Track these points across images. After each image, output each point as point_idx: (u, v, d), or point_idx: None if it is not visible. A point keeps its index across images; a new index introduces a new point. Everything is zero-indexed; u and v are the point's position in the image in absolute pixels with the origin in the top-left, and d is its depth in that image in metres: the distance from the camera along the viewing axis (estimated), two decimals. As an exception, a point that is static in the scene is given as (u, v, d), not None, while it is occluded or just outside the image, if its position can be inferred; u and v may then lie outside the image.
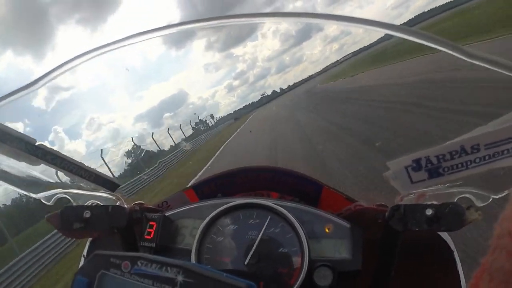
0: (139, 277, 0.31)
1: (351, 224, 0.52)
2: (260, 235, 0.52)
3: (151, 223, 0.54)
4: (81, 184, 0.54)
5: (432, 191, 0.43)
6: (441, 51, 0.31)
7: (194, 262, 0.52)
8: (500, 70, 0.29)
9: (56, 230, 0.52)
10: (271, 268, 0.50)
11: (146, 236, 0.53)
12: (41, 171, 0.51)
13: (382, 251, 0.49)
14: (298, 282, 0.47)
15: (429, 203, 0.43)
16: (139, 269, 0.31)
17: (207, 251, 0.53)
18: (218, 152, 14.29)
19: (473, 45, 9.35)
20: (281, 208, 0.53)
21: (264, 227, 0.53)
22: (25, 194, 0.52)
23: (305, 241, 0.50)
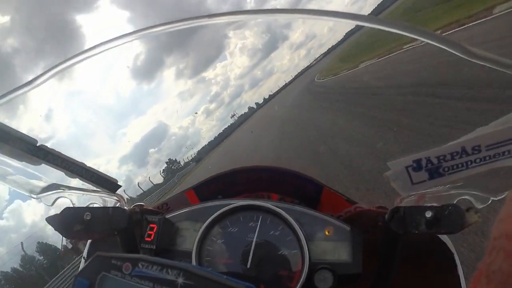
0: (140, 279, 0.31)
1: (351, 227, 0.52)
2: (255, 237, 0.52)
3: (151, 225, 0.54)
4: (82, 185, 0.54)
5: (431, 193, 0.43)
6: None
7: (194, 264, 0.51)
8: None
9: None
10: (271, 271, 0.50)
11: (147, 238, 0.53)
12: (42, 172, 0.51)
13: (382, 253, 0.49)
14: (298, 285, 0.47)
15: (429, 205, 0.43)
16: (140, 271, 0.31)
17: (207, 253, 0.53)
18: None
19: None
20: (281, 210, 0.53)
21: (257, 229, 0.53)
22: (26, 195, 0.52)
23: (305, 244, 0.50)
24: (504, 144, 0.35)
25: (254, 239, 0.52)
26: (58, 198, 0.53)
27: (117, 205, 0.55)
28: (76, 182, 0.52)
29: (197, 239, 0.53)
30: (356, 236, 0.51)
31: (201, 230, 0.54)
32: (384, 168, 0.42)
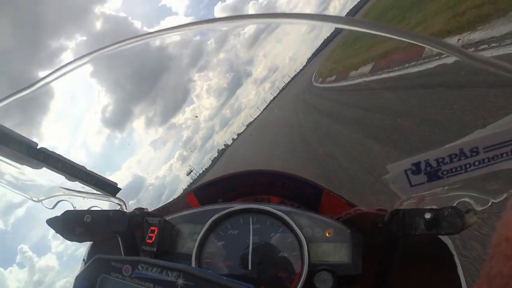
0: (140, 281, 0.31)
1: (351, 229, 0.52)
2: (250, 240, 0.52)
3: (152, 227, 0.54)
4: (82, 188, 0.54)
5: (431, 195, 0.43)
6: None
7: (194, 266, 0.52)
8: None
9: None
10: (271, 273, 0.50)
11: (147, 241, 0.53)
12: (43, 175, 0.51)
13: (382, 255, 0.49)
14: (298, 286, 0.47)
15: (428, 207, 0.43)
16: (140, 273, 0.31)
17: (207, 255, 0.53)
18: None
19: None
20: (281, 213, 0.54)
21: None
22: (27, 198, 0.53)
23: (305, 246, 0.50)
24: (502, 146, 0.35)
25: (251, 241, 0.52)
26: (59, 201, 0.54)
27: (117, 208, 0.55)
28: (76, 185, 0.53)
29: (197, 242, 0.53)
30: (356, 238, 0.51)
31: (201, 233, 0.54)
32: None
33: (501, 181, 0.39)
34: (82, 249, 0.61)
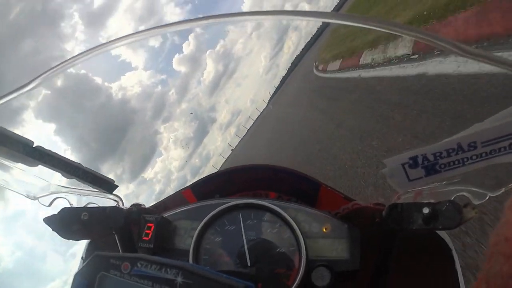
0: (139, 278, 0.31)
1: (349, 224, 0.52)
2: (244, 236, 0.52)
3: (148, 224, 0.54)
4: (79, 186, 0.54)
5: (429, 189, 0.43)
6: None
7: (191, 262, 0.52)
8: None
9: None
10: (268, 269, 0.50)
11: (144, 237, 0.53)
12: (39, 173, 0.51)
13: (380, 250, 0.49)
14: (296, 283, 0.47)
15: (426, 201, 0.43)
16: (139, 270, 0.31)
17: (205, 252, 0.53)
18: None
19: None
20: (278, 208, 0.53)
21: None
22: (23, 196, 0.53)
23: (303, 241, 0.50)
24: (500, 141, 0.34)
25: (247, 237, 0.52)
26: (56, 199, 0.53)
27: (114, 205, 0.55)
28: (73, 182, 0.53)
29: (194, 238, 0.53)
30: (354, 233, 0.51)
31: (198, 229, 0.54)
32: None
33: (499, 175, 0.39)
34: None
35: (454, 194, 0.42)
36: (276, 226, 0.53)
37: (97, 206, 0.55)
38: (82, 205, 0.54)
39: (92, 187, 0.53)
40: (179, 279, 0.29)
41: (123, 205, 0.56)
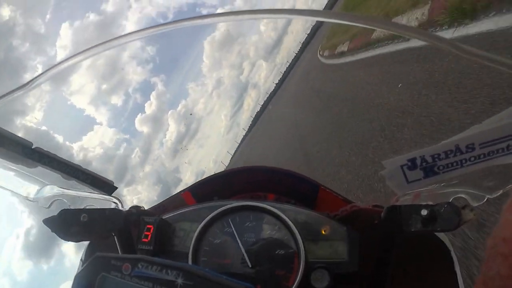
0: (140, 280, 0.31)
1: (348, 226, 0.52)
2: (237, 237, 0.53)
3: (148, 226, 0.54)
4: (78, 187, 0.54)
5: (427, 191, 0.43)
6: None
7: (190, 264, 0.52)
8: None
9: None
10: (268, 271, 0.50)
11: (143, 239, 0.53)
12: (38, 174, 0.51)
13: (379, 252, 0.49)
14: (295, 284, 0.47)
15: (425, 203, 0.43)
16: (140, 271, 0.31)
17: (204, 253, 0.53)
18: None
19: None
20: (276, 210, 0.54)
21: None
22: (22, 198, 0.52)
23: (302, 243, 0.50)
24: (498, 142, 0.35)
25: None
26: (55, 200, 0.53)
27: (113, 207, 0.55)
28: (72, 184, 0.53)
29: (193, 240, 0.53)
30: (352, 235, 0.51)
31: (197, 231, 0.54)
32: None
33: (498, 177, 0.39)
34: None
35: (452, 196, 0.42)
36: (275, 228, 0.53)
37: (96, 207, 0.55)
38: (82, 207, 0.54)
39: (92, 189, 0.53)
40: (180, 281, 0.29)
41: (123, 207, 0.56)
